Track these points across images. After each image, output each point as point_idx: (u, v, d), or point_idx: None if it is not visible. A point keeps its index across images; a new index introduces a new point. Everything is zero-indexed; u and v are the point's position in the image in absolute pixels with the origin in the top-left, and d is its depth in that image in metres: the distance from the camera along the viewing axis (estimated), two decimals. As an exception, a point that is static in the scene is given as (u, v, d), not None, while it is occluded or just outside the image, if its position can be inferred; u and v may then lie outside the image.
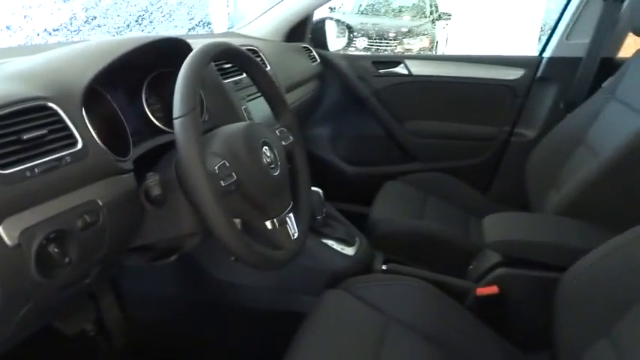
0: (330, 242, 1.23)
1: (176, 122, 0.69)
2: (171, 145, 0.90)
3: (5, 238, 0.57)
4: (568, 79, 1.72)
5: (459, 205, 1.69)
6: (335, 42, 2.11)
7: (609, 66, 1.65)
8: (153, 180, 0.74)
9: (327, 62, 1.91)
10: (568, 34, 1.70)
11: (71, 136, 0.67)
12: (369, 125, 1.94)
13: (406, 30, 7.47)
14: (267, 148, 0.84)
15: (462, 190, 1.75)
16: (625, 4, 1.58)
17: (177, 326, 1.33)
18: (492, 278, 1.12)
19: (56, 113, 0.67)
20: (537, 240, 1.11)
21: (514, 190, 1.71)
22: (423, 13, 8.08)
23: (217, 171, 0.73)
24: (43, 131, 0.63)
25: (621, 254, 0.86)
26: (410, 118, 1.92)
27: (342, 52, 2.04)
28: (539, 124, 1.79)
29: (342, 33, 2.14)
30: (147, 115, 0.92)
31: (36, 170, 0.61)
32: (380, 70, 1.90)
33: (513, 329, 1.11)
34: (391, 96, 1.89)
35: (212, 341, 1.30)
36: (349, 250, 1.24)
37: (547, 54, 1.77)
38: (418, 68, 1.86)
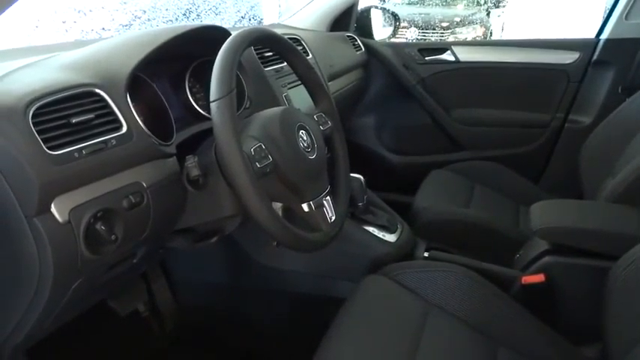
0: (371, 229, 1.23)
1: (212, 105, 0.71)
2: (212, 131, 0.94)
3: (57, 215, 0.62)
4: (627, 62, 1.62)
5: (508, 194, 1.64)
6: (381, 31, 2.09)
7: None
8: (192, 162, 0.77)
9: (372, 51, 1.90)
10: (627, 13, 1.61)
11: (116, 120, 0.71)
12: (414, 114, 1.91)
13: (459, 19, 7.27)
14: (303, 132, 0.85)
15: (513, 179, 1.69)
16: (692, -22, 1.47)
17: (223, 310, 1.38)
18: (539, 266, 1.08)
19: (102, 99, 0.71)
20: (587, 227, 1.06)
21: (568, 180, 1.64)
22: (477, 2, 7.84)
23: (253, 153, 0.75)
24: (91, 115, 0.68)
25: None
26: (457, 106, 1.87)
27: (387, 41, 2.03)
28: (596, 109, 1.71)
29: (388, 22, 2.11)
30: (190, 102, 0.96)
31: (83, 152, 0.65)
32: (426, 58, 1.87)
33: (562, 320, 1.07)
34: (438, 84, 1.86)
35: (256, 325, 1.34)
36: (391, 237, 1.24)
37: (604, 35, 1.68)
38: (466, 55, 1.82)
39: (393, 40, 2.08)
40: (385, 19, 2.14)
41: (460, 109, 1.88)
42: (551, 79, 1.76)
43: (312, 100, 0.99)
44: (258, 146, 0.77)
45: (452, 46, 1.82)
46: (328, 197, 0.88)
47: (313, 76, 0.96)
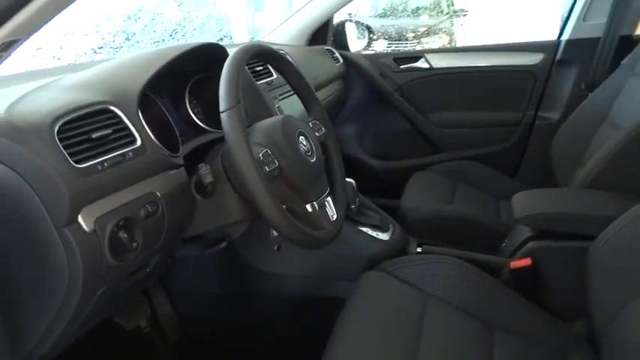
0: (365, 229, 1.29)
1: (223, 115, 0.76)
2: (215, 142, 0.99)
3: (83, 225, 0.66)
4: (587, 60, 1.75)
5: (488, 190, 1.73)
6: (355, 43, 2.18)
7: (627, 43, 1.67)
8: (205, 169, 0.82)
9: (350, 62, 1.99)
10: (584, 15, 1.73)
11: (131, 135, 0.76)
12: (394, 120, 2.00)
13: (425, 29, 7.50)
14: (302, 137, 0.91)
15: (491, 175, 1.79)
16: (640, -19, 1.61)
17: (225, 319, 1.41)
18: (525, 252, 1.16)
19: (116, 115, 0.76)
20: (566, 211, 1.15)
21: (542, 172, 1.74)
22: (441, 11, 8.10)
23: (262, 158, 0.80)
24: (108, 131, 0.72)
25: None
26: (434, 110, 1.97)
27: (363, 52, 2.11)
28: (562, 106, 1.82)
29: (361, 34, 2.21)
30: (190, 116, 1.01)
31: (105, 165, 0.69)
32: (401, 66, 1.96)
33: (549, 299, 1.15)
34: (414, 90, 1.95)
35: (258, 331, 1.37)
36: (384, 236, 1.30)
37: (565, 37, 1.80)
38: (438, 61, 1.92)
39: (367, 51, 2.17)
40: (359, 32, 2.24)
41: (437, 113, 1.97)
42: (519, 80, 1.87)
43: (305, 108, 1.05)
44: (265, 152, 0.82)
45: (425, 54, 1.92)
46: (329, 198, 0.94)
47: (305, 85, 1.02)
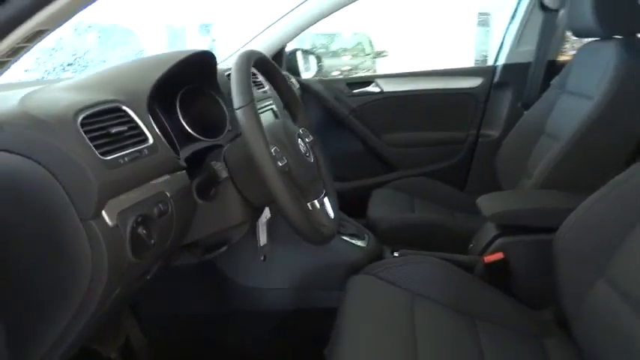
0: (344, 237, 1.33)
1: (239, 112, 0.79)
2: (207, 150, 1.00)
3: (107, 219, 0.65)
4: (521, 82, 1.95)
5: (442, 202, 1.84)
6: (305, 71, 2.27)
7: (554, 67, 1.90)
8: (219, 165, 0.83)
9: (305, 87, 2.06)
10: (517, 42, 1.95)
11: (142, 134, 0.77)
12: (349, 142, 2.08)
13: (349, 68, 7.86)
14: (300, 140, 0.95)
15: (443, 189, 1.91)
16: (560, 13, 1.84)
17: (207, 342, 1.36)
18: (495, 248, 1.25)
19: (128, 114, 0.76)
20: (529, 207, 1.26)
21: (488, 184, 1.88)
22: (363, 52, 8.56)
23: (274, 153, 0.83)
24: (124, 127, 0.72)
25: (615, 195, 1.01)
26: (387, 132, 2.08)
27: (316, 78, 2.20)
28: (502, 123, 2.01)
29: (311, 63, 2.30)
30: (182, 125, 1.01)
31: (126, 159, 0.69)
32: (354, 91, 2.06)
33: (521, 290, 1.24)
34: (367, 113, 2.05)
35: (246, 352, 1.34)
36: (361, 243, 1.35)
37: (500, 62, 2.01)
38: (389, 86, 2.05)
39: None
40: (307, 60, 2.33)
41: (389, 134, 2.08)
42: (462, 102, 2.04)
43: (292, 117, 1.09)
44: (274, 149, 0.85)
45: (376, 79, 2.05)
46: (326, 198, 0.98)
47: (294, 96, 1.07)
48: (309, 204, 0.93)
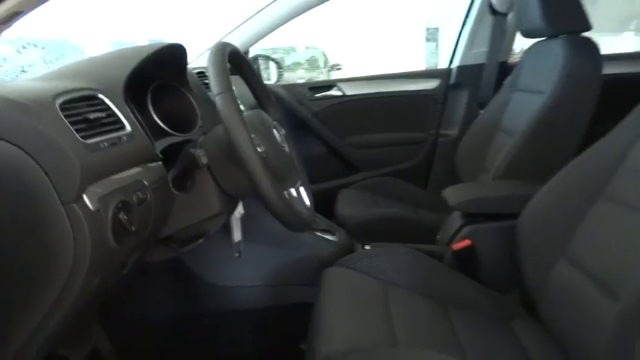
0: (316, 233, 1.34)
1: (218, 98, 0.79)
2: (180, 145, 0.99)
3: (88, 203, 0.63)
4: (476, 83, 2.04)
5: (406, 200, 1.89)
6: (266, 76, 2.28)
7: (505, 67, 2.00)
8: (200, 151, 0.82)
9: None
10: (470, 45, 2.04)
11: (120, 121, 0.76)
12: (313, 145, 2.11)
13: (304, 81, 7.92)
14: (275, 130, 0.96)
15: (406, 188, 1.96)
16: (509, 16, 1.95)
17: (181, 344, 1.33)
18: (462, 236, 1.30)
19: (104, 102, 0.75)
20: (493, 195, 1.32)
21: (449, 181, 1.94)
22: (317, 66, 8.68)
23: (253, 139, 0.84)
24: (103, 114, 0.71)
25: (573, 177, 1.07)
26: (349, 134, 2.12)
27: (278, 84, 2.22)
28: (459, 123, 2.09)
29: (272, 68, 2.32)
30: (154, 119, 1.00)
31: (105, 144, 0.68)
32: (316, 95, 2.09)
33: (488, 276, 1.28)
34: (329, 116, 2.09)
35: (220, 353, 1.32)
36: (333, 238, 1.36)
37: (455, 64, 2.09)
38: (350, 89, 2.09)
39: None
40: (267, 66, 2.35)
41: (352, 136, 2.12)
42: (420, 103, 2.11)
43: (264, 110, 1.10)
44: (252, 136, 0.85)
45: (338, 83, 2.09)
46: (302, 187, 0.99)
47: (265, 90, 1.08)
48: (285, 192, 0.94)
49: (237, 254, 1.12)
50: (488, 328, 1.12)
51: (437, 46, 8.15)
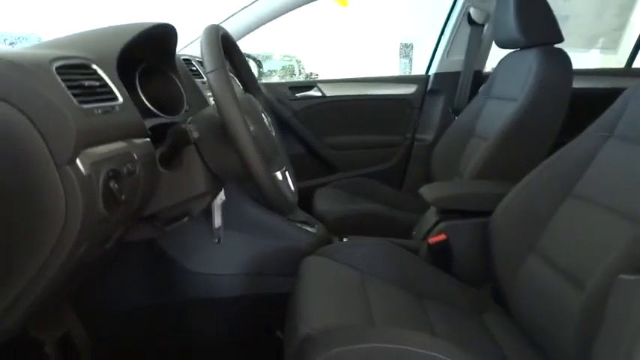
0: (296, 224, 1.36)
1: (210, 75, 0.80)
2: (167, 126, 0.99)
3: (81, 167, 0.64)
4: (452, 89, 2.11)
5: (382, 201, 1.93)
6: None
7: (480, 76, 2.07)
8: (192, 126, 0.83)
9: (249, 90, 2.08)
10: (447, 53, 2.11)
11: (112, 92, 0.76)
12: (292, 144, 2.12)
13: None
14: (263, 113, 0.97)
15: (382, 189, 2.00)
16: (485, 27, 2.03)
17: (159, 333, 1.31)
18: (437, 232, 1.34)
19: (97, 73, 0.75)
20: (469, 192, 1.37)
21: (424, 184, 2.00)
22: (293, 74, 8.73)
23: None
24: (97, 83, 0.72)
25: (544, 176, 1.13)
26: (328, 134, 2.15)
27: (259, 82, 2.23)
28: (435, 128, 2.15)
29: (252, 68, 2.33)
30: (142, 100, 1.00)
31: (99, 111, 0.69)
32: (296, 94, 2.12)
33: (461, 271, 1.32)
34: (309, 116, 2.11)
35: (197, 338, 1.31)
36: (312, 230, 1.38)
37: (432, 71, 2.16)
38: (330, 90, 2.12)
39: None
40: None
41: (331, 136, 2.15)
42: (398, 107, 2.16)
43: None
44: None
45: (318, 84, 2.12)
46: (287, 171, 1.01)
47: (253, 78, 1.10)
48: (277, 173, 0.95)
49: (216, 240, 1.12)
50: (461, 318, 1.16)
51: (410, 61, 8.32)
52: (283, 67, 8.84)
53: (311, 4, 1.85)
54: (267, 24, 1.88)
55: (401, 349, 0.78)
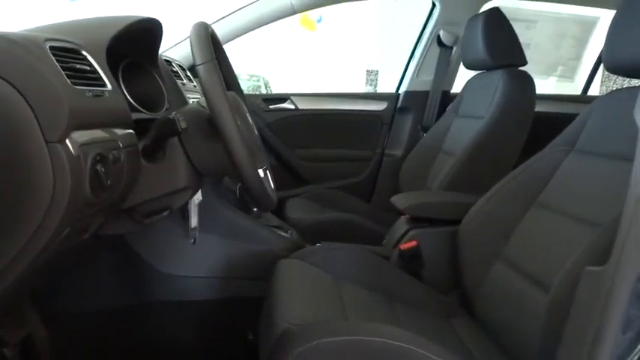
0: (271, 228, 1.36)
1: (200, 68, 0.81)
2: (148, 122, 1.00)
3: (70, 147, 0.63)
4: (421, 108, 2.18)
5: (352, 212, 1.95)
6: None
7: (448, 96, 2.16)
8: (179, 116, 0.83)
9: None
10: (417, 73, 2.19)
11: (101, 79, 0.76)
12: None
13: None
14: (247, 114, 0.99)
15: (351, 201, 2.04)
16: (454, 50, 2.12)
17: (127, 335, 1.28)
18: (408, 239, 1.37)
19: (87, 58, 0.75)
20: (440, 200, 1.42)
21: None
22: (267, 85, 8.78)
23: None
24: (87, 67, 0.72)
25: (511, 186, 1.18)
26: (300, 147, 2.18)
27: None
28: (404, 144, 2.21)
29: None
30: (124, 94, 1.00)
31: (90, 94, 0.69)
32: (270, 106, 2.14)
33: (431, 277, 1.36)
34: (281, 128, 2.14)
35: (168, 341, 1.28)
36: (286, 235, 1.39)
37: (402, 89, 2.23)
38: (303, 103, 2.16)
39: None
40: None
41: (302, 149, 2.18)
42: (369, 123, 2.22)
43: None
44: None
45: (291, 97, 2.15)
46: (268, 170, 1.02)
47: (235, 79, 1.11)
48: (260, 170, 0.96)
49: (192, 241, 1.12)
50: (430, 322, 1.19)
51: (375, 88, 8.53)
52: (250, 87, 8.90)
53: (280, 26, 1.90)
54: (236, 42, 1.90)
55: (380, 342, 0.80)
